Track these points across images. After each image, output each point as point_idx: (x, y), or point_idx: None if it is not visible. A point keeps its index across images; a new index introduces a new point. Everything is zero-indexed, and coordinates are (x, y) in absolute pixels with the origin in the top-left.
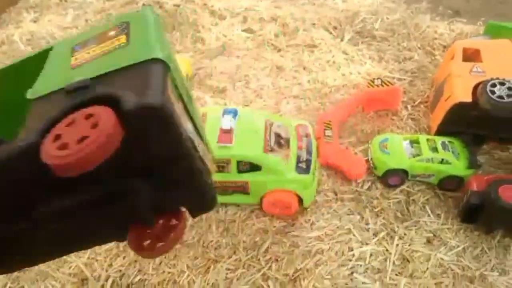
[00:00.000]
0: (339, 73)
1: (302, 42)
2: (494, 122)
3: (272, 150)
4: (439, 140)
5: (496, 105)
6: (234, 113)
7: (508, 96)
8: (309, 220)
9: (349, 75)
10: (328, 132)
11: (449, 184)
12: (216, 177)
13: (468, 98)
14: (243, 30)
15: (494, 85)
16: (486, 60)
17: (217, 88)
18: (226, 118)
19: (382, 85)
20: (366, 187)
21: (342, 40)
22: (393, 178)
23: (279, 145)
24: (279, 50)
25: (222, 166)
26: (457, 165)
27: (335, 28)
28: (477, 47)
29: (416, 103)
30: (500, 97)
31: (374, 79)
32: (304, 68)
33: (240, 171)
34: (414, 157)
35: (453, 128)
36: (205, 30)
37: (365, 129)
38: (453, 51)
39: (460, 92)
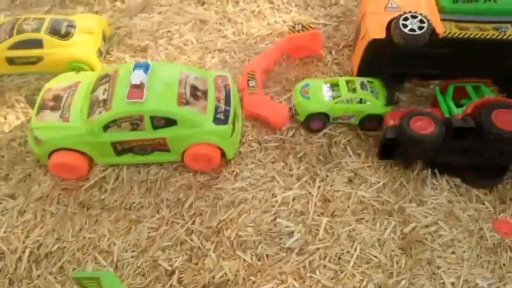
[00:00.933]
0: (265, 23)
1: None
2: (408, 57)
3: (187, 103)
4: (358, 80)
5: (408, 38)
6: (146, 67)
7: (420, 28)
8: (233, 171)
9: (274, 24)
10: (252, 83)
11: (370, 124)
12: (131, 135)
13: (382, 35)
14: None
15: (406, 19)
16: None
17: (138, 47)
18: (137, 73)
19: (302, 30)
20: (290, 134)
21: None
22: (314, 122)
23: (196, 97)
24: (203, 3)
25: (136, 124)
26: (376, 104)
27: None
28: None
29: (340, 47)
30: (412, 30)
31: (295, 24)
32: (229, 20)
33: (155, 127)
34: (334, 99)
35: (371, 67)
36: None
37: (290, 77)
38: None
39: (374, 29)
